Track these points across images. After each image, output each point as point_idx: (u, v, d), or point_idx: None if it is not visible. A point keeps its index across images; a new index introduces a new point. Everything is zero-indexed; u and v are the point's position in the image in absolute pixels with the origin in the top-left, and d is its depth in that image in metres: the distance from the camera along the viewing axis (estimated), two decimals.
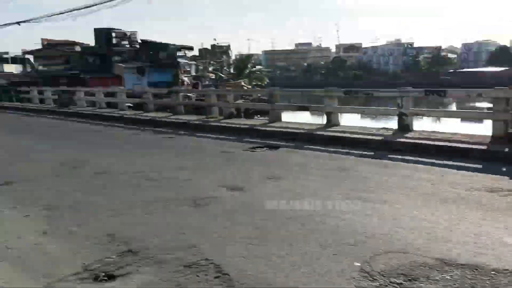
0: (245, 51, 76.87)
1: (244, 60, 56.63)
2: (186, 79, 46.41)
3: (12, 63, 53.82)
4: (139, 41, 50.52)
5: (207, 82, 47.93)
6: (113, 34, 49.07)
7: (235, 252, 4.19)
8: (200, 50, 57.20)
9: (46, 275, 3.84)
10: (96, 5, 24.74)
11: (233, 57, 63.68)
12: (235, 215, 5.28)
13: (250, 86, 44.12)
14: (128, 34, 50.22)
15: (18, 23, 32.13)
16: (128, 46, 49.97)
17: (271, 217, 5.17)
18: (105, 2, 24.30)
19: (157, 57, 47.24)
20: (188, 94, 29.03)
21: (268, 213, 5.31)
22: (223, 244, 4.40)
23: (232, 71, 57.07)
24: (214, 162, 8.72)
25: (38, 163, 9.05)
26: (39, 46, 55.59)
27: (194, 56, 54.75)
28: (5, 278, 3.80)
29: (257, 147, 10.21)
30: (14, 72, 50.78)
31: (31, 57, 54.67)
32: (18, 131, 15.35)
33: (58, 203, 6.03)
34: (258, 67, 61.57)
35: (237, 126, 13.20)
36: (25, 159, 9.66)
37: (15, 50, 62.30)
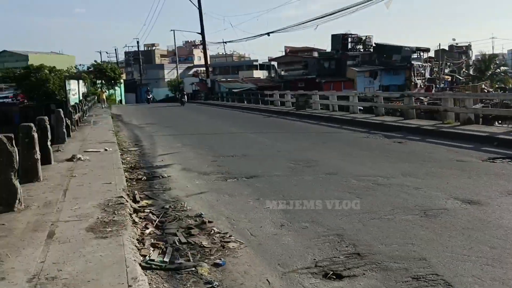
0: (488, 51, 69.42)
1: (486, 60, 51.27)
2: (419, 82, 44.55)
3: (260, 69, 60.34)
4: (373, 44, 50.65)
5: (442, 85, 45.13)
6: (349, 39, 50.38)
7: (468, 271, 3.92)
8: (436, 51, 54.06)
9: (281, 264, 4.28)
10: (334, 13, 25.87)
11: (473, 58, 58.26)
12: (469, 231, 4.92)
13: (491, 90, 39.76)
14: (363, 38, 50.86)
15: (268, 34, 36.18)
16: (362, 50, 50.63)
17: None
18: (343, 10, 25.19)
19: (390, 59, 46.55)
20: (421, 98, 27.89)
21: (509, 233, 4.79)
22: (455, 260, 4.16)
23: (471, 72, 52.35)
24: (447, 171, 8.21)
25: (277, 160, 10.00)
26: (282, 53, 61.01)
27: (429, 57, 52.05)
28: (249, 262, 4.37)
29: (497, 158, 9.21)
30: (261, 77, 56.84)
31: (275, 64, 60.42)
32: (263, 130, 17.15)
33: (293, 198, 6.58)
34: (502, 68, 54.92)
35: (475, 133, 12.13)
36: (267, 155, 10.77)
37: (263, 58, 69.80)
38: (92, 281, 3.55)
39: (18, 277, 3.64)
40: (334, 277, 3.96)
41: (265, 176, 8.32)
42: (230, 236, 5.05)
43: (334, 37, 51.80)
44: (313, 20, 30.24)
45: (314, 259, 4.35)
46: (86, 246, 4.34)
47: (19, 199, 5.72)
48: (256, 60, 66.20)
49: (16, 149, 5.73)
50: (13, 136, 5.70)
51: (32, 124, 7.40)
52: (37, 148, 7.37)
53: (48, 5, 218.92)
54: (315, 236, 4.98)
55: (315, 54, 59.24)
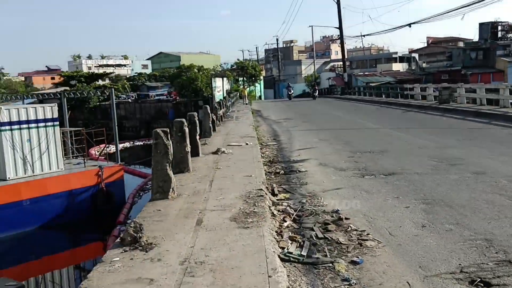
0: None
1: None
2: None
3: (399, 62, 57.75)
4: None
5: None
6: (499, 27, 45.86)
7: None
8: None
9: (423, 267, 4.10)
10: (482, 0, 23.67)
11: None
12: None
13: None
14: None
15: (409, 25, 34.50)
16: None
17: None
18: None
19: None
20: None
21: None
22: None
23: None
24: None
25: (418, 157, 9.55)
26: (424, 45, 57.70)
27: None
28: (388, 262, 4.27)
29: None
30: (401, 70, 54.47)
31: (416, 55, 57.42)
32: (402, 125, 16.46)
33: (435, 199, 6.25)
34: None
35: None
36: (406, 152, 10.34)
37: (402, 50, 66.62)
38: (236, 269, 3.78)
39: (171, 259, 4.04)
40: (482, 285, 3.70)
41: (405, 173, 8.01)
42: (367, 234, 4.99)
43: (482, 26, 47.47)
44: (459, 8, 27.86)
45: (460, 264, 4.09)
46: (230, 235, 4.63)
47: (173, 188, 6.32)
48: (396, 53, 63.35)
49: (170, 142, 6.33)
50: (168, 131, 6.31)
51: (184, 120, 8.10)
52: (188, 142, 8.05)
53: (197, 9, 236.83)
54: (461, 239, 4.68)
55: (461, 44, 54.92)
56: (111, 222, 15.50)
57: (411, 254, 4.41)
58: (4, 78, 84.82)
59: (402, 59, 59.06)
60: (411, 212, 5.76)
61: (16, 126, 15.08)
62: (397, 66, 56.55)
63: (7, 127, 14.89)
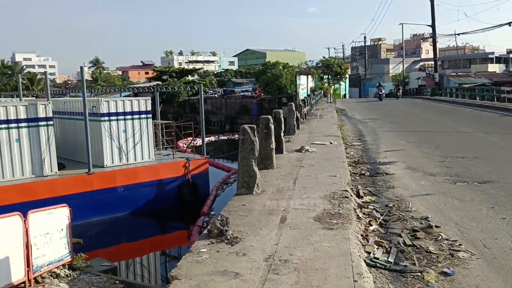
0: None
1: None
2: None
3: (496, 62, 54.03)
4: None
5: None
6: None
7: None
8: None
9: None
10: None
11: None
12: None
13: None
14: None
15: (509, 23, 32.14)
16: None
17: None
18: None
19: None
20: None
21: None
22: None
23: None
24: None
25: None
26: None
27: None
28: (481, 276, 4.03)
29: None
30: (497, 71, 50.96)
31: None
32: (497, 130, 15.41)
33: None
34: None
35: None
36: (503, 159, 9.67)
37: (500, 50, 62.14)
38: (320, 270, 3.75)
39: (256, 255, 4.11)
40: None
41: (501, 182, 7.50)
42: (459, 244, 4.73)
43: None
44: None
45: None
46: (314, 235, 4.61)
47: (257, 184, 6.42)
48: (492, 53, 59.20)
49: (257, 138, 6.43)
50: (255, 127, 6.41)
51: (270, 117, 8.19)
52: (273, 139, 8.13)
53: (285, 6, 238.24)
54: None
55: None
56: (195, 213, 16.08)
57: (507, 269, 4.13)
58: (104, 72, 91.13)
59: (499, 60, 55.15)
60: (508, 224, 5.39)
61: (113, 117, 16.15)
62: (494, 67, 52.90)
63: (106, 118, 15.98)
